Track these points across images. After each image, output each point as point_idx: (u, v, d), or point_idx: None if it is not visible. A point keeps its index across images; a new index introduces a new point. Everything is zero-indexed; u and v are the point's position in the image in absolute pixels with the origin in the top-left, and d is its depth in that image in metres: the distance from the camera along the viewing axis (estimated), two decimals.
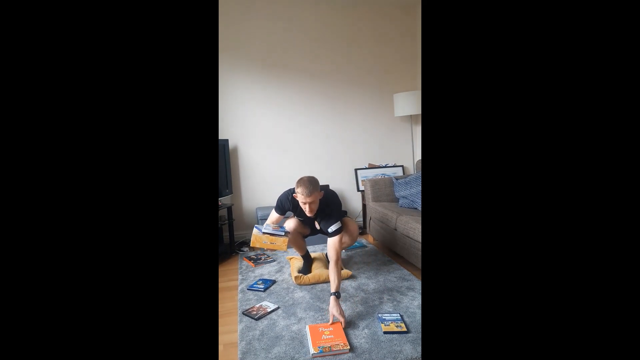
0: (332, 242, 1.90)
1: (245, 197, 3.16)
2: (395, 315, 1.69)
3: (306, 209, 1.87)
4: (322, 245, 2.60)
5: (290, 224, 2.13)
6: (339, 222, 1.94)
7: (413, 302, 1.84)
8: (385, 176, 3.12)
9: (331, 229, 1.91)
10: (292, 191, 1.99)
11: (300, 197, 1.85)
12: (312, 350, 1.44)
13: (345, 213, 2.21)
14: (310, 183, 1.84)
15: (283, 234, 1.91)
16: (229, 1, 2.95)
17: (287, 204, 2.03)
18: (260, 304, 1.89)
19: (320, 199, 1.92)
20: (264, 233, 1.91)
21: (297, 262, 2.35)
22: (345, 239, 2.07)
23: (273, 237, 1.88)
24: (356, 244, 2.89)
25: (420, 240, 2.09)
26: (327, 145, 3.30)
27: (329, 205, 1.98)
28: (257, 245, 1.92)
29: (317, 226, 2.10)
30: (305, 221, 2.13)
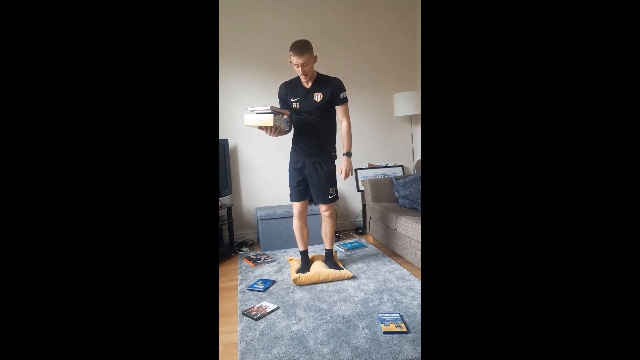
0: (325, 217, 2.25)
1: (245, 197, 3.16)
2: (395, 316, 1.69)
3: (299, 71, 1.98)
4: (321, 245, 2.59)
5: (295, 210, 2.25)
6: (335, 189, 2.23)
7: (413, 302, 1.84)
8: (385, 176, 3.12)
9: (327, 197, 2.19)
10: (283, 82, 2.15)
11: (293, 59, 1.95)
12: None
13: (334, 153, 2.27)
14: (299, 43, 1.94)
15: (269, 110, 1.90)
16: (229, 1, 2.95)
17: (282, 92, 2.13)
18: (260, 304, 1.89)
19: (319, 74, 2.10)
20: (255, 112, 1.92)
21: (296, 263, 2.36)
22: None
23: (261, 115, 1.90)
24: (356, 244, 2.89)
25: (420, 240, 2.09)
26: None
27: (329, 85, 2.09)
28: (249, 124, 1.92)
29: (318, 98, 2.08)
30: (304, 104, 2.09)
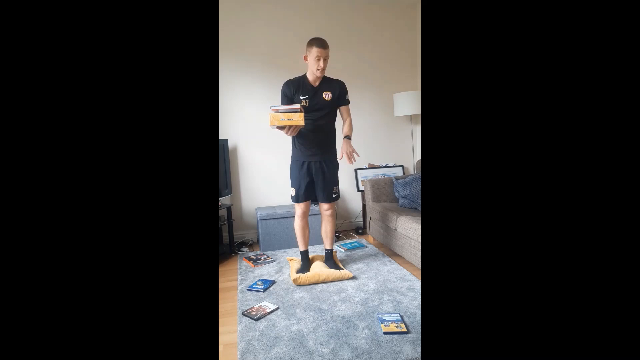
0: (327, 216, 2.27)
1: (244, 197, 3.16)
2: (395, 316, 1.69)
3: (320, 64, 1.98)
4: (321, 245, 2.60)
5: (299, 210, 2.24)
6: (338, 188, 2.26)
7: (413, 303, 1.84)
8: (385, 176, 3.12)
9: (331, 195, 2.21)
10: (287, 80, 2.13)
11: (316, 51, 1.97)
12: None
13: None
14: (321, 38, 1.99)
15: (299, 109, 1.89)
16: (229, 1, 2.95)
17: (289, 89, 2.09)
18: (260, 304, 1.89)
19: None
20: (280, 112, 1.90)
21: (296, 263, 2.35)
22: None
23: (290, 114, 1.88)
24: (356, 244, 2.89)
25: (420, 240, 2.09)
26: None
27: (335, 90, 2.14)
28: (276, 124, 1.89)
29: (328, 97, 2.11)
30: (314, 101, 2.09)
